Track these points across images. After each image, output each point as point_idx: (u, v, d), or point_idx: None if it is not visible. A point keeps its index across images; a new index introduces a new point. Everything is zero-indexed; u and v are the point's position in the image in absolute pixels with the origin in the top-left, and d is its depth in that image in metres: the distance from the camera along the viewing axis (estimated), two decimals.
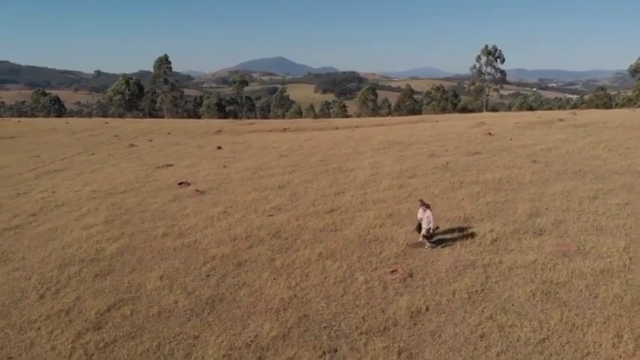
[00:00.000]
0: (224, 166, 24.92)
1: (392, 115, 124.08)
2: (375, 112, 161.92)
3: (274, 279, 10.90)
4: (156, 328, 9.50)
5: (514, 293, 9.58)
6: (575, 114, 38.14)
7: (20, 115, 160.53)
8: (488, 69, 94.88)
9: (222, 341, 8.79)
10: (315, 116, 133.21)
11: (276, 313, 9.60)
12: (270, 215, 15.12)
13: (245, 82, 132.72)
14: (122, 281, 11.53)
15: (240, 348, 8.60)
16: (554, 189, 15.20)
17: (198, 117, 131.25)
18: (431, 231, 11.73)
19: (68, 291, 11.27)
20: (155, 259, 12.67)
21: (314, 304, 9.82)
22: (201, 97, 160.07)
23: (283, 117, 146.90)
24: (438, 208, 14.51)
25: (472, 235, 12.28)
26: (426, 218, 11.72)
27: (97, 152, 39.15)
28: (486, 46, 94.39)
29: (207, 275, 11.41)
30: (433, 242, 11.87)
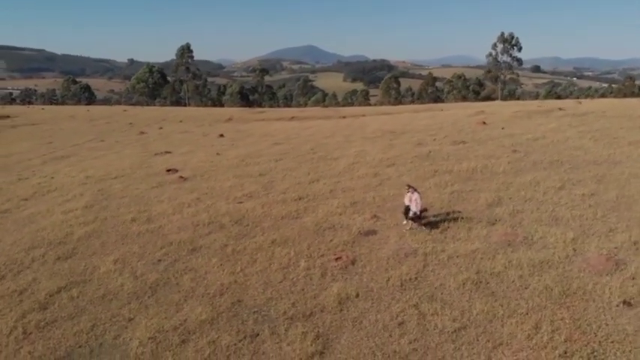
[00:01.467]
0: (217, 154, 25.11)
1: (414, 104, 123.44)
2: (398, 100, 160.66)
3: (221, 265, 11.01)
4: (96, 309, 9.71)
5: (446, 282, 9.51)
6: (580, 103, 37.22)
7: (51, 103, 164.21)
8: (505, 57, 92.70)
9: (153, 324, 8.94)
10: (329, 105, 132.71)
11: (212, 298, 9.71)
12: (239, 202, 15.23)
13: (265, 71, 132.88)
14: (80, 264, 11.78)
15: (167, 331, 8.74)
16: (524, 179, 14.94)
17: (222, 105, 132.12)
18: (417, 213, 11.61)
19: (28, 272, 11.58)
20: (117, 243, 12.90)
21: (251, 290, 9.90)
22: (224, 85, 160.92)
23: (305, 105, 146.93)
24: (403, 197, 14.42)
25: (425, 223, 12.17)
26: (413, 201, 11.62)
27: (106, 139, 39.80)
28: (502, 34, 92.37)
29: (159, 260, 11.58)
30: (424, 225, 11.83)
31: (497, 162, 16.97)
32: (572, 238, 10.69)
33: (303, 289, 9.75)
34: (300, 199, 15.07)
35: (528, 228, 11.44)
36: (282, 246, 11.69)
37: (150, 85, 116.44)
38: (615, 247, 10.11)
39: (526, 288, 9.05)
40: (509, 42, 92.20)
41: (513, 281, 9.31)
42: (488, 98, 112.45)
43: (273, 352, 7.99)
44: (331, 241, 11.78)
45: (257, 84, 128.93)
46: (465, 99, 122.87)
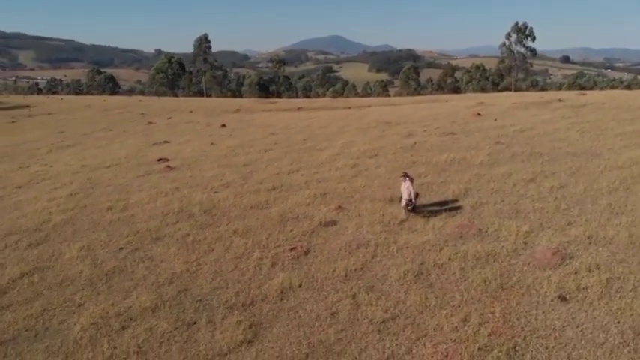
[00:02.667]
0: (211, 144, 25.31)
1: (432, 94, 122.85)
2: (417, 91, 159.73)
3: (177, 254, 11.13)
4: (51, 295, 9.92)
5: (389, 273, 9.46)
6: (584, 94, 36.40)
7: (77, 93, 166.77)
8: (518, 47, 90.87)
9: (99, 310, 9.10)
10: (348, 96, 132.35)
11: (160, 286, 9.84)
12: (215, 192, 15.33)
13: (282, 62, 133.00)
14: (48, 251, 12.03)
15: (110, 317, 8.89)
16: (497, 171, 14.73)
17: (241, 96, 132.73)
18: (414, 201, 11.57)
19: None
20: (88, 231, 13.13)
21: (200, 279, 10.00)
22: (243, 76, 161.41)
23: (324, 96, 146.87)
24: (374, 188, 14.40)
25: (385, 215, 12.13)
26: (406, 189, 11.57)
27: (115, 129, 40.39)
28: (517, 23, 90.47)
29: (121, 248, 11.75)
30: (418, 211, 11.78)
31: (476, 154, 16.75)
32: (525, 231, 10.52)
33: (250, 279, 9.81)
34: (274, 189, 15.12)
35: (486, 220, 11.30)
36: (242, 236, 11.76)
37: (169, 76, 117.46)
38: (567, 241, 9.93)
39: (465, 280, 8.96)
40: (523, 32, 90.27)
41: (454, 273, 9.23)
42: (507, 89, 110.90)
43: (205, 340, 8.07)
44: (291, 231, 11.80)
45: (274, 74, 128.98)
46: (483, 90, 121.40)
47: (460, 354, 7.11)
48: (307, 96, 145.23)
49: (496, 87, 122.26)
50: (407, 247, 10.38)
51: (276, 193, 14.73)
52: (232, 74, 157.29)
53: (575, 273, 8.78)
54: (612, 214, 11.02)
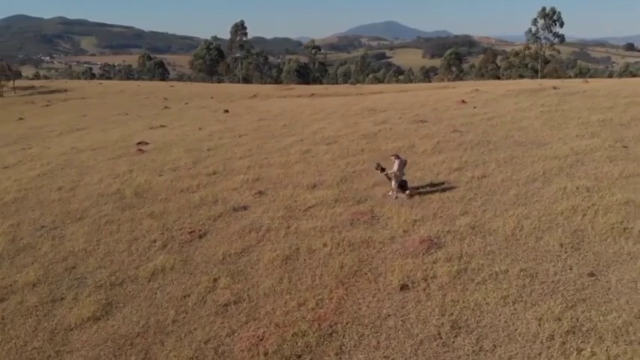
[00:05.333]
0: (199, 129, 25.67)
1: (473, 80, 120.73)
2: (460, 77, 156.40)
3: (86, 233, 11.48)
4: None
5: (262, 257, 9.49)
6: (587, 82, 34.69)
7: (128, 79, 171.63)
8: (545, 33, 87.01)
9: None
10: (390, 82, 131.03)
11: (54, 264, 10.20)
12: (159, 175, 15.64)
13: (318, 48, 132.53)
14: None
15: None
16: (433, 159, 14.37)
17: (280, 82, 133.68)
18: (392, 178, 11.52)
19: None
20: (28, 209, 13.66)
21: (91, 258, 10.30)
22: (282, 63, 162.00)
23: (363, 83, 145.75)
24: (307, 175, 14.34)
25: (297, 201, 12.11)
26: (395, 169, 11.43)
27: (130, 113, 41.49)
28: (544, 9, 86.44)
29: (43, 226, 12.20)
30: (405, 191, 11.67)
31: (427, 142, 16.38)
32: (414, 219, 10.30)
33: (134, 260, 10.04)
34: (214, 173, 15.27)
35: (386, 208, 11.11)
36: (154, 218, 11.98)
37: (207, 62, 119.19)
38: (447, 231, 9.66)
39: (326, 266, 8.89)
40: (551, 17, 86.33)
41: (320, 259, 9.17)
42: (548, 76, 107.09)
43: (60, 316, 8.37)
44: (201, 215, 11.95)
45: (309, 61, 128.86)
46: (521, 77, 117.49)
47: (274, 338, 7.11)
48: (346, 82, 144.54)
49: (536, 74, 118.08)
50: (294, 233, 10.36)
51: (214, 177, 14.89)
52: (281, 61, 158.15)
53: (434, 262, 8.57)
54: (513, 205, 10.63)
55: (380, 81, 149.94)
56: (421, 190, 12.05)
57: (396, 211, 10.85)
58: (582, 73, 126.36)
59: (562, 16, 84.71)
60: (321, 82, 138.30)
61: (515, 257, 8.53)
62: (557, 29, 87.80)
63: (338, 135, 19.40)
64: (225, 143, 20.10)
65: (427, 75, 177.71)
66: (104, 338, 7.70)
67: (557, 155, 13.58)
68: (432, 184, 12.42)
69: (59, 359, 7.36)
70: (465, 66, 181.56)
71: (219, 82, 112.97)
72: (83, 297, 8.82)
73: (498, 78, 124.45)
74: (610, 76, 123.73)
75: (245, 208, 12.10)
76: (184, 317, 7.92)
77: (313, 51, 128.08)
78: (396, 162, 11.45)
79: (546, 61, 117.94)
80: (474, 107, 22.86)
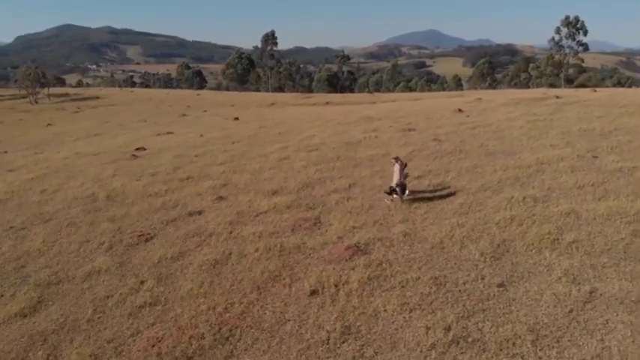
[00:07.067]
0: (200, 135, 26.13)
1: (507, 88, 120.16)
2: (493, 86, 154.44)
3: (48, 234, 11.82)
4: None
5: (194, 260, 9.60)
6: (596, 91, 33.58)
7: (166, 87, 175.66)
8: (569, 42, 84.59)
9: None
10: (422, 91, 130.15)
11: (6, 262, 10.55)
12: (137, 180, 16.00)
13: (347, 57, 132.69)
14: None
15: None
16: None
17: (311, 91, 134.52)
18: (394, 186, 11.22)
19: None
20: (6, 211, 14.16)
21: (42, 258, 10.61)
22: (314, 72, 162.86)
23: (394, 91, 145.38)
24: (273, 181, 14.42)
25: (252, 206, 12.19)
26: (395, 172, 11.38)
27: (149, 120, 42.44)
28: (567, 17, 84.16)
29: (11, 227, 12.62)
30: (405, 194, 11.31)
31: (402, 150, 16.23)
32: (352, 226, 10.25)
33: (77, 261, 10.30)
34: (187, 179, 15.52)
35: (331, 215, 11.08)
36: (114, 222, 12.26)
37: (238, 71, 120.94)
38: (379, 238, 9.57)
39: (250, 271, 8.93)
40: (574, 25, 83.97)
41: (247, 263, 9.21)
42: (582, 86, 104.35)
43: None
44: (156, 219, 12.17)
45: (338, 70, 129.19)
46: (552, 86, 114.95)
47: (171, 340, 7.20)
48: (378, 91, 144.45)
49: (569, 84, 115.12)
50: (234, 238, 10.44)
51: (185, 182, 15.13)
52: (318, 70, 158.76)
53: (352, 269, 8.51)
54: (455, 214, 10.44)
55: (412, 89, 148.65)
56: (377, 196, 11.96)
57: (340, 218, 10.81)
58: (620, 83, 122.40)
59: (585, 25, 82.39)
60: (351, 91, 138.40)
61: (432, 265, 8.39)
62: (580, 37, 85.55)
63: (323, 143, 19.43)
64: (214, 149, 20.39)
65: (460, 84, 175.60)
66: (22, 334, 7.92)
67: (521, 165, 13.26)
68: (388, 192, 12.28)
69: None
70: (499, 75, 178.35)
71: (246, 90, 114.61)
72: (20, 295, 9.09)
73: (529, 87, 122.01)
74: (630, 86, 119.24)
75: (200, 212, 12.26)
76: (100, 317, 8.08)
77: (342, 60, 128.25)
78: (396, 165, 11.32)
79: (582, 70, 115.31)
80: (467, 116, 22.55)
